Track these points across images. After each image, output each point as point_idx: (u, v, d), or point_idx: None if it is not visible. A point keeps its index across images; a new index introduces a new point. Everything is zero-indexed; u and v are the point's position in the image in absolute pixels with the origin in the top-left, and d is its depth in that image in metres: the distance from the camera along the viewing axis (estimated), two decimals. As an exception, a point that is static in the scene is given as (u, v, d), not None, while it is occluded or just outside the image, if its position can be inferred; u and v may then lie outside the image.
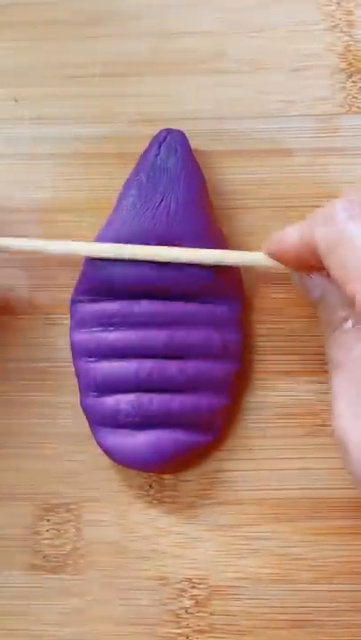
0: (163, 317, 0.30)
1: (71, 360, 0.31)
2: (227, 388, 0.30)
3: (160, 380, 0.29)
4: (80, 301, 0.31)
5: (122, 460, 0.29)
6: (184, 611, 0.28)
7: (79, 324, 0.31)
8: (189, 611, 0.28)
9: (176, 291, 0.31)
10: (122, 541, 0.29)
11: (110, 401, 0.29)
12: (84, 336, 0.30)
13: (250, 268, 0.32)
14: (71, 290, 0.32)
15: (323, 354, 0.31)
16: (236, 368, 0.30)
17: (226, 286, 0.31)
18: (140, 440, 0.29)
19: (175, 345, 0.30)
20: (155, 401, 0.29)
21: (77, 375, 0.30)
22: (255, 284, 0.32)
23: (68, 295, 0.32)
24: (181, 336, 0.30)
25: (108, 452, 0.29)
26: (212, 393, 0.29)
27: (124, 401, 0.29)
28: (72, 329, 0.31)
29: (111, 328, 0.30)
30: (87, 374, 0.30)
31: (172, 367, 0.29)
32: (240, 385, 0.30)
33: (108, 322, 0.30)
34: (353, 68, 0.36)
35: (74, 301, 0.31)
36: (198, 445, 0.29)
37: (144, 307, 0.30)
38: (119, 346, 0.30)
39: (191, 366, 0.30)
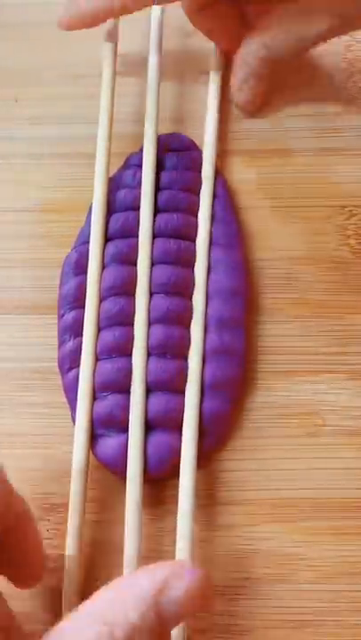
0: (159, 314, 0.30)
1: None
2: (228, 392, 0.30)
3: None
4: (64, 314, 0.31)
5: (122, 471, 0.28)
6: (184, 611, 0.28)
7: (65, 332, 0.30)
8: (189, 611, 0.28)
9: (175, 289, 0.31)
10: (122, 542, 0.28)
11: (105, 405, 0.29)
12: (74, 345, 0.30)
13: (251, 269, 0.32)
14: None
15: (323, 354, 0.31)
16: (238, 372, 0.30)
17: (227, 285, 0.31)
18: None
19: (174, 343, 0.30)
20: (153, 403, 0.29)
21: (68, 390, 0.30)
22: (255, 284, 0.32)
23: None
24: (180, 334, 0.30)
25: (107, 464, 0.29)
26: (213, 397, 0.29)
27: (120, 405, 0.29)
28: (61, 343, 0.30)
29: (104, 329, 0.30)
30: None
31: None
32: (241, 385, 0.30)
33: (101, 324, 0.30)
34: (353, 68, 0.36)
35: (60, 314, 0.31)
36: (198, 451, 0.29)
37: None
38: (112, 345, 0.30)
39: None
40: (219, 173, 0.34)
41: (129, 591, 0.21)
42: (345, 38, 0.36)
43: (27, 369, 0.31)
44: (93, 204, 0.32)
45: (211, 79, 0.35)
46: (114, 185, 0.33)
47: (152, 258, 0.31)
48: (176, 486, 0.29)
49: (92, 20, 0.33)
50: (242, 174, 0.34)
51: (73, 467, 0.28)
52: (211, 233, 0.32)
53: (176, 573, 0.21)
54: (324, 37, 0.33)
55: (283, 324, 0.31)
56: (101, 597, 0.21)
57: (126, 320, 0.30)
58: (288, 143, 0.35)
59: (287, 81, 0.36)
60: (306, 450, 0.29)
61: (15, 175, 0.35)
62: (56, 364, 0.31)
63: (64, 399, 0.30)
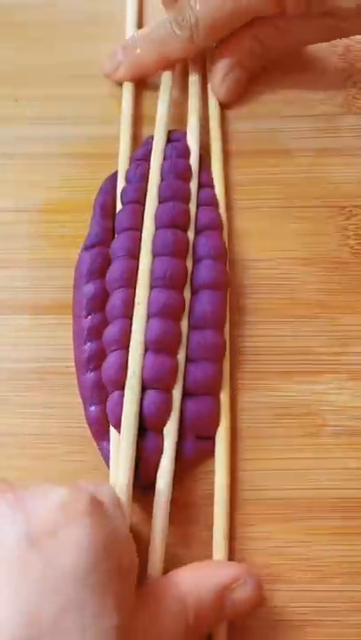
0: (156, 308, 0.30)
1: (70, 359, 0.31)
2: (212, 392, 0.29)
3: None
4: (87, 315, 0.31)
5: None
6: (184, 611, 0.28)
7: (88, 333, 0.31)
8: (189, 611, 0.28)
9: (170, 282, 0.30)
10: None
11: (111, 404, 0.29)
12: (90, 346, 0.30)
13: (247, 264, 0.32)
14: (71, 289, 0.32)
15: (322, 354, 0.31)
16: (220, 370, 0.30)
17: (209, 280, 0.31)
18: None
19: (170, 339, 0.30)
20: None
21: (82, 388, 0.30)
22: (254, 284, 0.32)
23: (67, 295, 0.32)
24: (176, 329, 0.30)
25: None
26: (197, 397, 0.29)
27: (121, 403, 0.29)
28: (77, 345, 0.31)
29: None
30: (93, 384, 0.30)
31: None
32: (240, 385, 0.30)
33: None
34: (353, 68, 0.36)
35: (80, 314, 0.31)
36: (196, 453, 0.29)
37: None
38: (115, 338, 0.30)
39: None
40: (205, 165, 0.34)
41: (205, 579, 0.24)
42: (344, 39, 0.36)
43: (26, 369, 0.31)
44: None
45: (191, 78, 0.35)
46: (114, 184, 0.33)
47: (153, 250, 0.31)
48: (175, 485, 0.29)
49: (148, 72, 0.35)
50: (242, 175, 0.34)
51: (78, 466, 0.27)
52: (197, 224, 0.32)
53: (242, 576, 0.24)
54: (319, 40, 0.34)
55: (283, 323, 0.31)
56: (185, 576, 0.24)
57: (128, 312, 0.30)
58: (288, 143, 0.35)
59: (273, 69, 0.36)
60: (306, 450, 0.29)
61: (15, 175, 0.35)
62: (56, 364, 0.31)
63: (64, 399, 0.30)
